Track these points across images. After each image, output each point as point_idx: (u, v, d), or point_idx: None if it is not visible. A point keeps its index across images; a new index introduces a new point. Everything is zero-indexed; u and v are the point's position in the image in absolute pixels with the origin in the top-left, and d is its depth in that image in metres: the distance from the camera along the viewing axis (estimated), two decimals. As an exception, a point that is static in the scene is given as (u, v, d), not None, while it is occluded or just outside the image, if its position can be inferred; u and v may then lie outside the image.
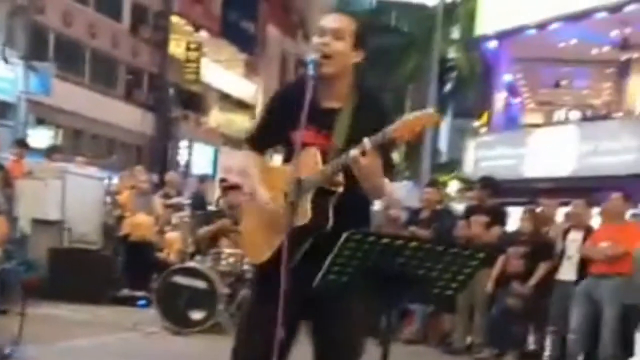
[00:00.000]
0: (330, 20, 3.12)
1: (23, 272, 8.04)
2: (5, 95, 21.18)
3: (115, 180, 11.78)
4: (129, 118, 25.73)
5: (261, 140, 3.31)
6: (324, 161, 3.02)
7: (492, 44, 21.62)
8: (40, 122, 22.14)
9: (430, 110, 2.92)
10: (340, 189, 3.02)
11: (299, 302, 2.92)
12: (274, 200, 3.09)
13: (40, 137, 18.93)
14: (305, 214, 2.99)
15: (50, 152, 12.31)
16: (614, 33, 18.72)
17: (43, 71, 21.26)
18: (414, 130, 2.84)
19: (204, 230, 9.01)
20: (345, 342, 3.13)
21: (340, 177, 3.00)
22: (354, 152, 2.86)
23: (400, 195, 11.77)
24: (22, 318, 6.32)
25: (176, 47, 27.55)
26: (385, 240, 2.52)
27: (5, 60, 21.02)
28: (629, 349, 8.14)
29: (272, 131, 3.23)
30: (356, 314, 3.11)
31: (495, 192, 9.07)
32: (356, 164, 2.88)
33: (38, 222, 9.66)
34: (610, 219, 7.98)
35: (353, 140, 2.96)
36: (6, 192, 8.11)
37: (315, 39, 3.12)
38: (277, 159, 3.46)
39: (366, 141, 2.85)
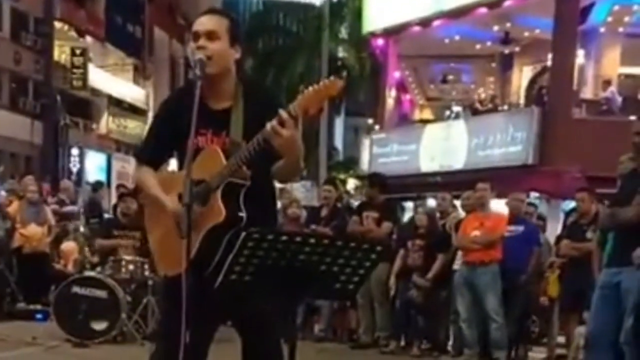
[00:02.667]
0: (203, 23, 3.10)
1: None
2: None
3: (3, 192, 11.34)
4: (16, 127, 24.87)
5: (153, 153, 3.26)
6: (226, 159, 3.00)
7: (380, 42, 21.99)
8: None
9: (332, 78, 2.87)
10: (248, 182, 3.01)
11: (214, 305, 2.95)
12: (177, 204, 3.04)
13: None
14: (219, 211, 2.97)
15: None
16: (496, 28, 19.40)
17: None
18: (320, 100, 2.85)
19: (101, 242, 8.86)
20: (263, 343, 3.16)
21: (245, 170, 2.99)
22: (272, 123, 2.83)
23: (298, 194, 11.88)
24: None
25: (61, 53, 26.78)
26: (284, 238, 2.52)
27: None
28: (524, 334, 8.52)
29: (165, 142, 3.20)
30: (267, 313, 3.11)
31: (384, 188, 9.26)
32: (277, 134, 2.83)
33: None
34: (476, 208, 8.28)
35: (250, 135, 2.97)
36: None
37: (192, 44, 3.11)
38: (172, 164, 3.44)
39: (282, 112, 2.83)
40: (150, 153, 3.26)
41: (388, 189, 9.52)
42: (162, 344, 3.21)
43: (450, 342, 8.61)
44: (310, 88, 2.84)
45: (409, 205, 11.47)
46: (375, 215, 8.89)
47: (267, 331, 3.16)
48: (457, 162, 17.55)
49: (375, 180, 9.52)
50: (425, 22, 19.65)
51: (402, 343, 8.70)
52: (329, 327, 9.25)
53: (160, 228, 3.17)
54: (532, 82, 20.53)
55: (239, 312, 3.11)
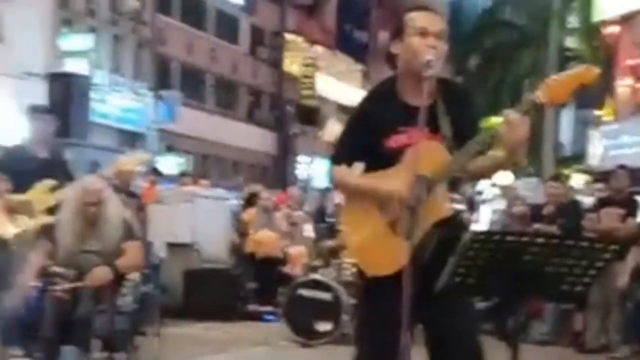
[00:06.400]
0: (434, 21, 3.07)
1: (159, 295, 8.41)
2: (135, 126, 22.27)
3: (240, 200, 12.16)
4: (252, 138, 26.43)
5: (350, 154, 3.15)
6: None
7: (612, 29, 20.89)
8: (170, 149, 23.11)
9: (584, 65, 2.73)
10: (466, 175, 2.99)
11: (415, 305, 2.85)
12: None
13: (169, 164, 19.74)
14: (442, 207, 2.94)
15: (179, 178, 12.85)
16: None
17: (169, 100, 22.25)
18: (569, 90, 2.70)
19: (326, 244, 9.23)
20: (466, 340, 3.04)
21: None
22: (512, 115, 2.73)
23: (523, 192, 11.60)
24: (159, 338, 6.67)
25: (292, 65, 28.06)
26: (510, 238, 2.48)
27: (136, 93, 22.14)
28: None
29: (361, 142, 3.11)
30: (471, 312, 3.09)
31: (633, 181, 8.70)
32: (513, 127, 2.73)
33: (171, 246, 10.09)
34: None
35: (457, 131, 2.96)
36: (140, 218, 8.50)
37: (418, 40, 3.03)
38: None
39: (528, 100, 2.74)
40: (346, 153, 3.17)
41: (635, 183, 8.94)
42: (369, 347, 3.11)
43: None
44: (559, 75, 2.71)
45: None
46: (620, 212, 8.41)
47: (471, 330, 3.07)
48: None
49: (621, 173, 8.81)
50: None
51: (636, 348, 8.24)
52: (552, 330, 8.97)
53: (369, 224, 3.06)
54: None
55: (447, 311, 2.97)
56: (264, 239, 10.59)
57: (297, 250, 10.75)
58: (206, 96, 26.39)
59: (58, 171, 6.75)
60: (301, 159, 28.01)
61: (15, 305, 5.45)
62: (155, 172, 11.64)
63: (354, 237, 3.17)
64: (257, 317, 9.80)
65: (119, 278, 5.58)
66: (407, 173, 2.90)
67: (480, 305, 6.40)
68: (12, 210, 6.64)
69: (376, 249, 3.04)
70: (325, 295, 8.19)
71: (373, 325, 3.12)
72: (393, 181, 2.97)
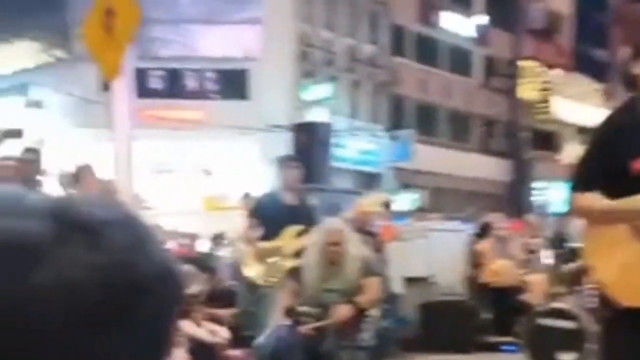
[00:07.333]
0: None
1: (397, 328, 8.67)
2: (372, 167, 23.05)
3: (474, 230, 12.21)
4: (485, 168, 26.27)
5: (592, 180, 2.94)
6: None
7: None
8: (405, 186, 23.61)
9: None
10: None
11: None
12: None
13: (404, 200, 20.17)
14: None
15: (415, 213, 13.16)
16: None
17: (403, 139, 22.79)
18: None
19: (566, 270, 8.99)
20: None
21: None
22: None
23: None
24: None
25: (527, 91, 27.64)
26: None
27: (373, 135, 22.99)
28: None
29: (605, 166, 2.91)
30: None
31: None
32: None
33: (407, 280, 10.38)
34: None
35: None
36: (379, 255, 8.85)
37: None
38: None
39: None
40: (587, 178, 2.98)
41: None
42: None
43: None
44: None
45: None
46: None
47: None
48: None
49: None
50: None
51: None
52: None
53: (619, 251, 2.88)
54: None
55: None
56: (500, 269, 10.55)
57: (536, 278, 10.58)
58: (440, 131, 26.69)
59: (304, 216, 7.19)
60: (536, 184, 27.36)
61: (267, 342, 5.91)
62: (387, 207, 12.04)
63: (601, 265, 2.98)
64: (494, 348, 9.75)
65: (360, 314, 5.86)
66: None
67: None
68: (264, 256, 7.25)
69: (633, 278, 2.85)
70: (568, 324, 7.99)
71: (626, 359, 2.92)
72: None
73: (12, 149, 10.47)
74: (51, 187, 8.80)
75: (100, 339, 0.62)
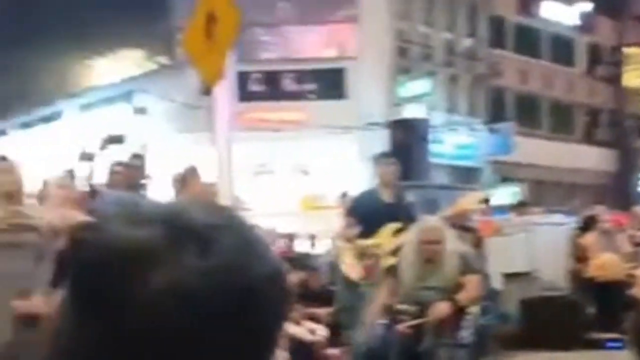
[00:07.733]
0: None
1: (497, 325, 8.58)
2: (470, 161, 22.76)
3: (578, 224, 11.92)
4: (589, 159, 25.56)
5: None
6: None
7: None
8: (504, 180, 23.18)
9: None
10: None
11: None
12: None
13: (504, 194, 19.82)
14: None
15: (516, 208, 12.94)
16: None
17: (503, 132, 22.42)
18: None
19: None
20: None
21: None
22: None
23: None
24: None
25: (633, 78, 26.74)
26: None
27: (471, 129, 22.72)
28: None
29: None
30: None
31: None
32: None
33: (508, 276, 10.24)
34: None
35: None
36: (478, 251, 8.78)
37: None
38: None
39: None
40: None
41: None
42: None
43: None
44: None
45: None
46: None
47: None
48: None
49: None
50: None
51: None
52: None
53: None
54: None
55: None
56: (606, 263, 10.28)
57: (640, 272, 10.26)
58: (541, 122, 26.12)
59: (402, 214, 7.18)
60: (643, 174, 26.45)
61: (365, 340, 5.97)
62: (486, 202, 11.88)
63: None
64: (599, 344, 9.50)
65: (459, 312, 5.84)
66: None
67: None
68: (362, 254, 7.30)
69: None
70: (677, 319, 7.76)
71: None
72: None
73: (115, 154, 10.89)
74: (154, 191, 9.14)
75: (213, 340, 0.65)
